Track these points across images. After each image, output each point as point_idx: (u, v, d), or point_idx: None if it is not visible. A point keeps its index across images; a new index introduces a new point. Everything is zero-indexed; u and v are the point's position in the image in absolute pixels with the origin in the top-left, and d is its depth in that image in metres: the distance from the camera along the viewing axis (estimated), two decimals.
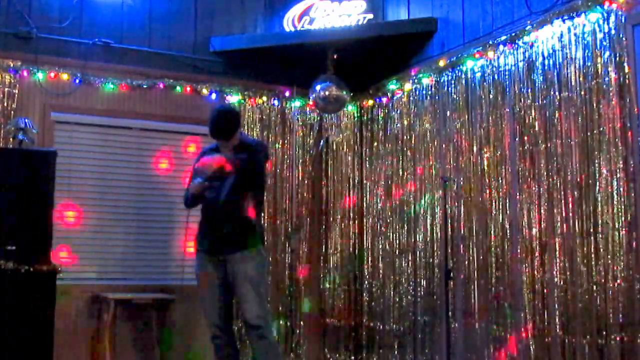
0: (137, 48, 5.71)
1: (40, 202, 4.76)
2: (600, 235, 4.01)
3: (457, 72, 5.18)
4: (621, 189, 3.92)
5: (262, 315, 4.25)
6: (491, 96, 4.86)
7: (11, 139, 4.96)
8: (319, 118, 6.28)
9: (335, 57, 5.77)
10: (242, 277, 4.23)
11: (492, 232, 4.76)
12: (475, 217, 4.92)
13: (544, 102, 4.43)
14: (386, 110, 5.99)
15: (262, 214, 4.79)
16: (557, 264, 4.26)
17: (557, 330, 4.22)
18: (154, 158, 5.78)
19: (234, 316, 4.64)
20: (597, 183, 4.05)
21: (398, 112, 5.83)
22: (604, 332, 3.93)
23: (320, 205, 6.23)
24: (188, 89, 5.84)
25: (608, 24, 4.05)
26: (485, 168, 4.86)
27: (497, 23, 4.87)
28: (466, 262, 4.96)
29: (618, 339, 3.85)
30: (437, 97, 5.40)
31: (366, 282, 6.05)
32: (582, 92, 4.18)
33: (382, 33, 5.72)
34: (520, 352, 4.46)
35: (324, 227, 6.21)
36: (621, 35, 3.98)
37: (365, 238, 6.13)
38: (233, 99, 5.95)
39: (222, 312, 4.34)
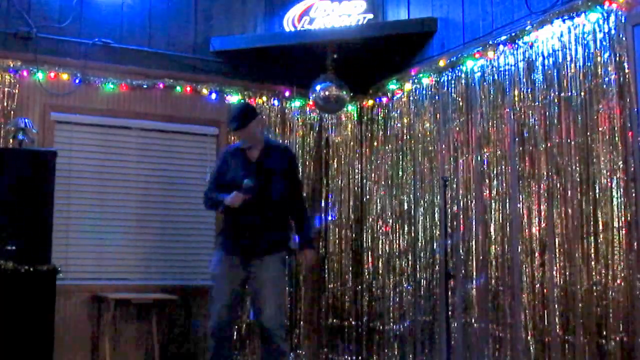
0: (137, 48, 5.71)
1: (40, 202, 4.76)
2: (600, 235, 4.01)
3: (457, 72, 5.18)
4: (621, 189, 3.92)
5: (278, 319, 4.26)
6: (491, 96, 4.86)
7: (11, 139, 4.96)
8: (319, 118, 6.28)
9: (335, 57, 5.77)
10: (263, 280, 4.27)
11: (492, 232, 4.76)
12: (475, 217, 4.92)
13: (544, 102, 4.43)
14: (386, 110, 5.99)
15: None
16: (557, 264, 4.26)
17: (557, 330, 4.22)
18: (154, 158, 5.76)
19: (238, 317, 4.64)
20: (597, 183, 4.05)
21: (398, 112, 5.83)
22: (604, 332, 3.93)
23: (320, 205, 6.22)
24: (188, 89, 5.84)
25: (608, 24, 4.05)
26: (485, 168, 4.86)
27: (497, 23, 4.87)
28: (466, 262, 4.96)
29: (618, 339, 3.85)
30: (437, 97, 5.40)
31: (366, 282, 6.05)
32: (582, 92, 4.17)
33: (382, 33, 5.72)
34: (520, 352, 4.45)
35: (323, 227, 6.21)
36: (621, 35, 3.98)
37: (365, 238, 6.13)
38: (233, 99, 5.95)
39: (229, 308, 4.36)
